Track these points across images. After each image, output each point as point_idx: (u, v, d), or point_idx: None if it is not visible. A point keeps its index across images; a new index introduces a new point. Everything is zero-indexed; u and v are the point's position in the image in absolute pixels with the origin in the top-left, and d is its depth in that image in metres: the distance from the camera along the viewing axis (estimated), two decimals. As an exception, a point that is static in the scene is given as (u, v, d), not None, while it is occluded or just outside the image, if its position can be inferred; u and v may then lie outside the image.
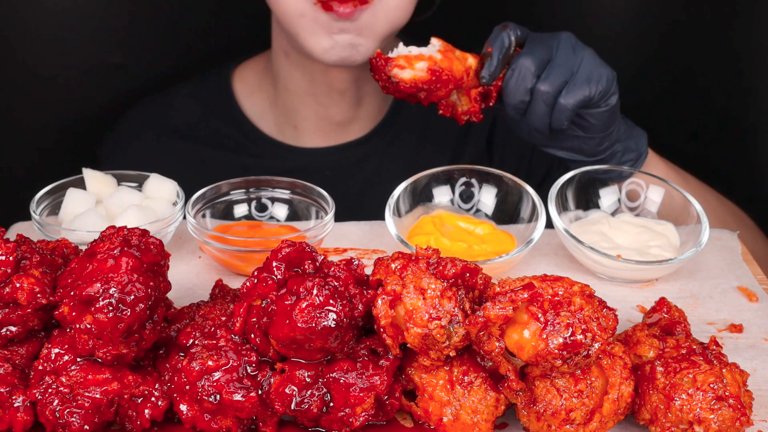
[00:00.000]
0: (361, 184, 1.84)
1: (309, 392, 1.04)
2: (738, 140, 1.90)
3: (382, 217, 1.39)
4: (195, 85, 1.91)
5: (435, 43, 1.38)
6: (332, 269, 1.06)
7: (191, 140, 1.86)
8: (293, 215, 1.45)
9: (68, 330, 1.04)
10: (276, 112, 1.86)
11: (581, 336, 0.99)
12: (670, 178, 1.54)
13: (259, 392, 1.05)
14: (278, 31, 1.76)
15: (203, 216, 1.41)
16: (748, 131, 1.87)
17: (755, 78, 1.82)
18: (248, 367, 1.05)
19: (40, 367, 1.05)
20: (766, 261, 1.61)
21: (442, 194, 1.46)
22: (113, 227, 1.09)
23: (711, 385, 1.02)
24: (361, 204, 1.78)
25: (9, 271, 1.05)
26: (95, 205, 1.38)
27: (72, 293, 1.03)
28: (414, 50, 1.37)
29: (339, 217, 1.40)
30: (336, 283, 1.04)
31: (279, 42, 1.78)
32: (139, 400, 1.06)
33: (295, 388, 1.04)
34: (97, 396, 1.04)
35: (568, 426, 1.04)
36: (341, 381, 1.05)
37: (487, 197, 1.46)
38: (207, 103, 1.88)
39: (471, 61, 1.40)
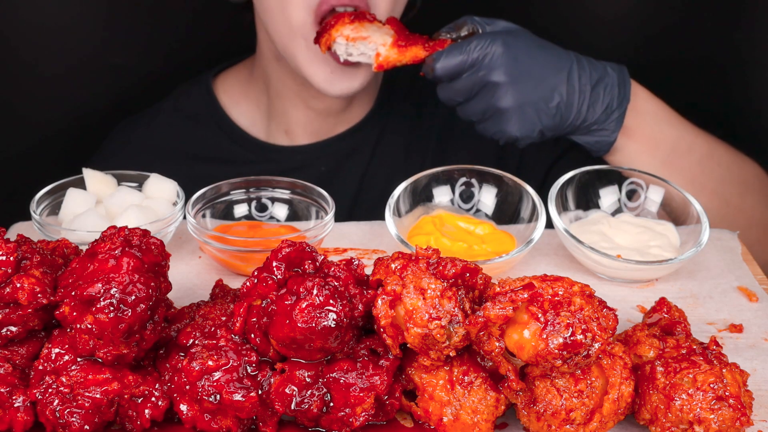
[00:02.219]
0: (357, 173, 1.86)
1: (309, 392, 1.04)
2: (742, 135, 1.90)
3: (382, 207, 1.39)
4: (177, 99, 1.92)
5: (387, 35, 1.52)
6: (332, 269, 1.06)
7: (180, 154, 1.86)
8: (293, 215, 1.45)
9: (69, 330, 1.04)
10: (267, 118, 1.87)
11: (581, 336, 0.99)
12: (670, 121, 1.55)
13: (259, 392, 1.05)
14: (266, 36, 1.77)
15: (203, 216, 1.41)
16: (753, 124, 1.87)
17: (757, 73, 1.82)
18: (248, 367, 1.05)
19: (41, 367, 1.05)
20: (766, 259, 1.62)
21: (442, 194, 1.46)
22: (114, 227, 1.09)
23: (711, 385, 1.02)
24: (360, 193, 1.79)
25: (9, 271, 1.05)
26: (95, 205, 1.38)
27: (73, 293, 1.03)
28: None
29: (340, 208, 1.40)
30: (336, 283, 1.04)
31: (268, 47, 1.78)
32: (140, 400, 1.06)
33: (295, 388, 1.04)
34: (98, 396, 1.04)
35: (568, 426, 1.04)
36: (341, 381, 1.05)
37: (487, 197, 1.46)
38: (194, 115, 1.89)
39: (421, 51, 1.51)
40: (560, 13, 2.05)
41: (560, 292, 1.02)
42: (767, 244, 1.65)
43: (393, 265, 1.07)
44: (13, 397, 1.05)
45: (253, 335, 1.06)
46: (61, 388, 1.04)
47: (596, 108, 1.51)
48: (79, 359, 1.05)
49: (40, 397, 1.04)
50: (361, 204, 1.83)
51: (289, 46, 1.64)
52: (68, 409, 1.04)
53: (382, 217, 1.40)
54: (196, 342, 1.07)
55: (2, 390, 1.05)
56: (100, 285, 1.02)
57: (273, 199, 1.46)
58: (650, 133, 1.57)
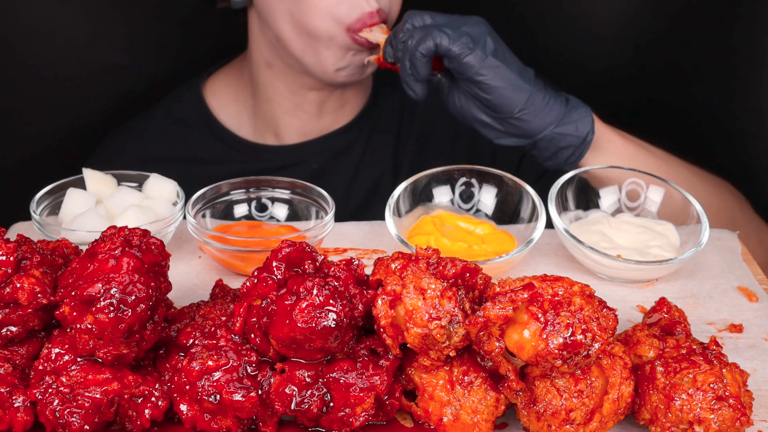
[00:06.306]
0: (348, 170, 1.86)
1: (309, 392, 1.05)
2: (733, 142, 1.90)
3: (372, 205, 1.39)
4: (167, 105, 1.92)
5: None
6: (332, 269, 1.06)
7: (173, 159, 1.86)
8: (293, 215, 1.45)
9: (69, 330, 1.04)
10: (255, 120, 1.88)
11: (581, 336, 0.99)
12: (633, 155, 1.54)
13: (259, 392, 1.05)
14: (261, 42, 1.78)
15: (203, 216, 1.41)
16: (743, 132, 1.87)
17: (751, 79, 1.82)
18: (248, 367, 1.05)
19: (41, 367, 1.05)
20: (759, 248, 1.61)
21: (442, 194, 1.46)
22: (114, 227, 1.09)
23: (711, 385, 1.02)
24: (351, 190, 1.79)
25: (9, 271, 1.05)
26: (95, 205, 1.38)
27: (73, 293, 1.03)
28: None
29: (334, 203, 1.40)
30: (336, 283, 1.04)
31: (261, 53, 1.79)
32: (139, 400, 1.06)
33: (295, 388, 1.04)
34: (98, 396, 1.04)
35: (568, 426, 1.04)
36: (341, 381, 1.05)
37: (487, 197, 1.46)
38: (183, 120, 1.89)
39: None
40: (553, 20, 2.06)
41: (560, 292, 1.02)
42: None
43: (393, 265, 1.07)
44: (13, 397, 1.05)
45: (253, 335, 1.06)
46: (61, 388, 1.04)
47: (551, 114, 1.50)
48: (79, 359, 1.05)
49: (40, 397, 1.04)
50: (352, 202, 1.84)
51: (310, 45, 1.66)
52: (68, 409, 1.04)
53: (374, 215, 1.40)
54: (196, 342, 1.07)
55: (2, 390, 1.05)
56: (100, 285, 1.02)
57: (273, 199, 1.46)
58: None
